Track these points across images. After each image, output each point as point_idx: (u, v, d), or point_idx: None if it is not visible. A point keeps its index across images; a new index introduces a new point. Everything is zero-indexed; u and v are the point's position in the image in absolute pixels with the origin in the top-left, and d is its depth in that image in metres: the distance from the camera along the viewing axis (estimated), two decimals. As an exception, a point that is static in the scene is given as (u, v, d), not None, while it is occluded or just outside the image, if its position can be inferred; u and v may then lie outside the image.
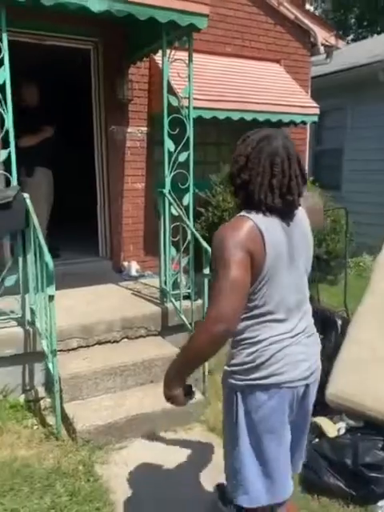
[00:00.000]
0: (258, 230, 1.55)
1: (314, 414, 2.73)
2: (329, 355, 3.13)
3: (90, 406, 3.00)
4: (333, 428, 2.62)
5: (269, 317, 1.64)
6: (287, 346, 1.65)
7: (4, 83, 2.99)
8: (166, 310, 3.71)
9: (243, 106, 4.70)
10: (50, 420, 3.00)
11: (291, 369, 1.65)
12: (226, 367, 1.73)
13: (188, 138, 3.69)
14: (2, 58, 2.98)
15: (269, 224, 1.59)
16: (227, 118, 4.61)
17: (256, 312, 1.63)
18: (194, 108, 4.10)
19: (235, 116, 4.64)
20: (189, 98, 3.67)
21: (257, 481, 1.70)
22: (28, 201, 3.10)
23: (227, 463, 1.79)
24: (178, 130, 3.66)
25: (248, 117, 4.71)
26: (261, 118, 4.79)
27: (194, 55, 3.71)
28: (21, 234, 3.17)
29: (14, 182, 3.12)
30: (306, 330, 1.72)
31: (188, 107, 3.68)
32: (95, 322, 3.46)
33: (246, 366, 1.64)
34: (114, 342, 3.53)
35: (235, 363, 1.68)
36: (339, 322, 3.22)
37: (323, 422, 2.67)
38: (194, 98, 4.08)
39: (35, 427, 2.97)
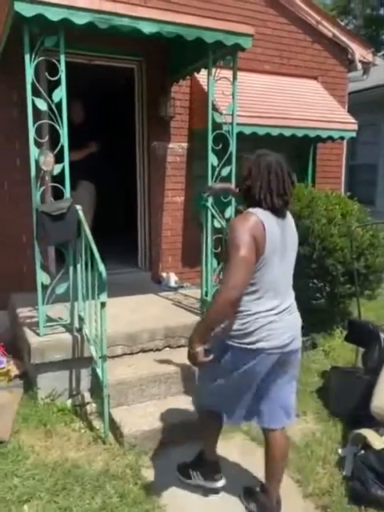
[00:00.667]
0: (261, 223, 2.04)
1: (359, 426, 2.78)
2: (373, 368, 3.14)
3: (136, 412, 3.09)
4: (379, 440, 2.62)
5: (259, 294, 2.10)
6: (272, 321, 2.10)
7: (60, 101, 3.14)
8: (207, 321, 3.77)
9: (282, 122, 4.78)
10: (97, 424, 3.10)
11: (273, 339, 2.10)
12: (222, 330, 2.16)
13: (231, 153, 3.79)
14: (60, 77, 3.14)
15: (268, 220, 2.07)
16: (267, 133, 4.70)
17: (252, 289, 2.08)
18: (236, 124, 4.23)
19: (274, 132, 4.73)
20: (232, 114, 3.78)
21: (210, 394, 2.31)
22: (80, 212, 3.24)
23: (201, 388, 2.37)
24: (220, 145, 3.77)
25: (287, 132, 4.80)
26: (299, 133, 4.87)
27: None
28: (72, 243, 3.32)
29: (67, 194, 3.27)
30: (288, 309, 2.18)
31: (231, 123, 3.79)
32: (139, 331, 3.56)
33: (240, 332, 2.11)
34: (156, 350, 3.62)
35: (233, 329, 2.13)
36: (382, 336, 3.23)
37: (369, 433, 2.67)
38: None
39: (83, 431, 3.06)
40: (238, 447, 2.98)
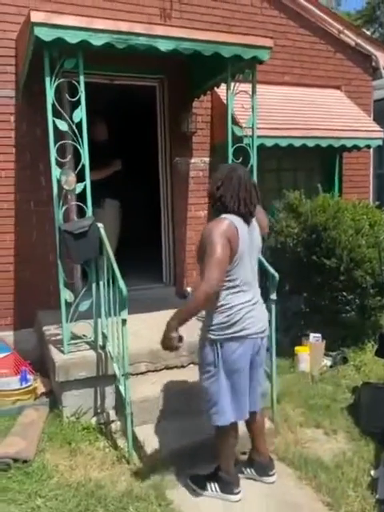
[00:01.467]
0: (234, 226, 2.32)
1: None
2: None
3: (161, 430, 3.04)
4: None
5: (238, 288, 2.39)
6: (250, 310, 2.42)
7: (80, 121, 3.19)
8: (232, 336, 3.71)
9: (305, 133, 4.73)
10: (121, 443, 3.07)
11: (253, 326, 2.42)
12: (207, 327, 2.42)
13: (251, 166, 3.76)
14: (79, 98, 3.20)
15: (239, 224, 2.35)
16: (289, 145, 4.65)
17: (230, 284, 2.37)
18: (257, 136, 4.21)
19: (297, 143, 4.67)
20: (252, 127, 3.75)
21: (229, 406, 2.45)
22: (102, 230, 3.26)
23: (206, 398, 2.49)
24: (241, 158, 3.75)
25: (310, 143, 4.73)
26: (323, 143, 4.80)
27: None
28: (94, 261, 3.33)
29: (89, 212, 3.30)
30: (259, 301, 2.53)
31: (252, 137, 3.76)
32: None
33: (224, 325, 2.37)
34: (180, 366, 3.58)
35: (215, 323, 2.39)
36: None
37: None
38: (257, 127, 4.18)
39: (107, 450, 3.04)
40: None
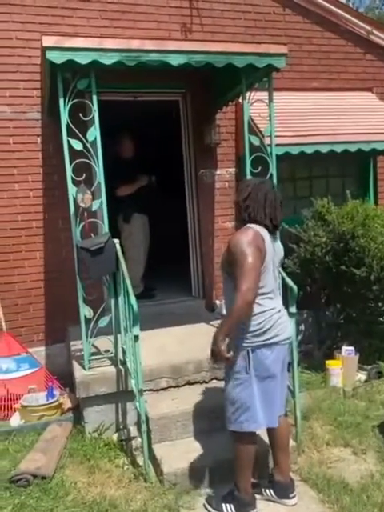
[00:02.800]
0: (260, 235, 2.38)
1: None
2: None
3: (179, 448, 2.99)
4: None
5: (266, 295, 2.43)
6: (279, 317, 2.46)
7: (95, 140, 3.24)
8: (256, 351, 3.61)
9: (332, 138, 4.57)
10: (141, 460, 3.03)
11: (283, 332, 2.46)
12: (239, 335, 2.38)
13: (271, 175, 3.67)
14: (93, 117, 3.25)
15: (264, 234, 2.41)
16: (316, 151, 4.52)
17: (260, 291, 2.37)
18: (281, 145, 4.12)
19: (324, 149, 4.52)
20: (270, 136, 3.68)
21: (261, 412, 2.45)
22: (118, 246, 3.28)
23: (236, 405, 2.46)
24: (260, 168, 3.67)
25: (338, 148, 4.57)
26: (352, 148, 4.62)
27: (280, 93, 3.75)
28: (112, 277, 3.35)
29: (106, 228, 3.33)
30: (282, 308, 2.56)
31: (270, 145, 3.68)
32: (184, 362, 3.48)
33: (257, 332, 2.38)
34: (203, 382, 3.51)
35: (249, 330, 2.38)
36: None
37: None
38: (281, 135, 4.11)
39: (126, 467, 3.02)
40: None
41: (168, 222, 6.16)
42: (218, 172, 4.96)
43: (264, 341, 2.40)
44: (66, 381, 4.11)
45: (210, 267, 5.00)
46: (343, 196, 5.20)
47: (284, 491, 2.63)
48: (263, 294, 2.40)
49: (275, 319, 2.43)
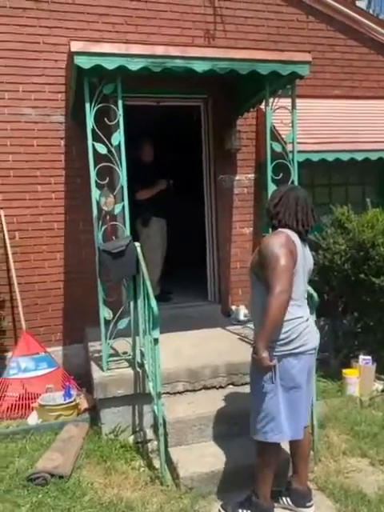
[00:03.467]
0: (292, 240, 2.37)
1: None
2: None
3: (195, 453, 2.99)
4: None
5: (294, 302, 2.38)
6: (307, 326, 2.42)
7: (119, 144, 3.28)
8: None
9: (353, 146, 4.57)
10: (157, 463, 3.05)
11: (310, 341, 2.43)
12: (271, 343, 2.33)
13: (292, 181, 3.67)
14: (118, 121, 3.29)
15: (296, 240, 2.40)
16: (336, 159, 4.51)
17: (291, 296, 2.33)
18: (301, 151, 4.12)
19: (345, 157, 4.52)
20: (292, 143, 3.68)
21: (286, 423, 2.40)
22: (139, 249, 3.31)
23: (261, 414, 2.42)
24: (281, 174, 3.68)
25: (359, 156, 4.56)
26: (373, 156, 4.60)
27: (301, 100, 3.76)
28: (132, 279, 3.39)
29: (127, 232, 3.37)
30: (310, 317, 2.51)
31: (292, 152, 3.69)
32: (201, 366, 3.49)
33: (283, 341, 2.35)
34: (219, 387, 3.52)
35: (275, 339, 2.34)
36: None
37: None
38: (302, 142, 4.11)
39: (142, 469, 3.03)
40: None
41: (186, 226, 6.18)
42: (238, 178, 4.98)
43: (291, 350, 2.36)
44: (83, 381, 4.15)
45: (226, 272, 5.01)
46: (362, 204, 5.17)
47: (301, 500, 2.61)
48: (291, 299, 2.35)
49: (302, 328, 2.39)
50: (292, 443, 2.64)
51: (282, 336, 2.35)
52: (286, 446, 2.74)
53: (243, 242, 5.00)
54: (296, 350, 2.37)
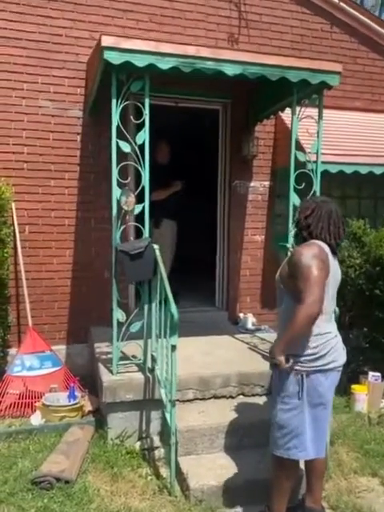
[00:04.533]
0: (324, 251, 2.31)
1: None
2: None
3: (205, 464, 2.92)
4: None
5: (325, 316, 2.32)
6: (336, 343, 2.37)
7: (143, 143, 3.21)
8: (285, 369, 3.54)
9: (372, 160, 4.53)
10: (164, 472, 2.98)
11: (339, 357, 2.37)
12: (293, 357, 2.26)
13: (314, 192, 3.63)
14: (144, 120, 3.22)
15: (328, 251, 2.34)
16: (355, 171, 4.47)
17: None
18: (321, 162, 4.07)
19: (363, 170, 4.48)
20: (317, 153, 3.64)
21: (310, 441, 2.34)
22: (157, 251, 3.24)
23: (284, 430, 2.34)
24: (303, 184, 3.63)
25: (378, 171, 4.52)
26: (391, 171, 4.57)
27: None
28: (148, 282, 3.31)
29: (146, 233, 3.29)
30: (337, 333, 2.43)
31: (316, 162, 3.64)
32: (212, 375, 3.42)
33: (313, 356, 2.27)
34: (229, 397, 3.45)
35: (304, 354, 2.27)
36: None
37: None
38: (322, 153, 4.05)
39: (149, 478, 2.95)
40: None
41: (197, 229, 6.12)
42: (253, 184, 4.93)
43: (320, 366, 2.29)
44: (85, 382, 4.07)
45: (235, 279, 4.95)
46: (375, 218, 5.16)
47: None
48: (321, 314, 2.27)
49: (333, 344, 2.33)
50: (308, 461, 2.55)
51: (310, 351, 2.29)
52: (301, 463, 2.67)
53: (254, 250, 4.95)
54: (325, 367, 2.30)
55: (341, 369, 2.40)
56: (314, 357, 2.28)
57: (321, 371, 2.29)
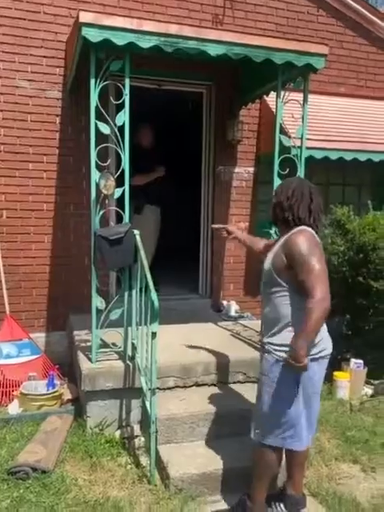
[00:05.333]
0: (316, 238, 2.27)
1: None
2: None
3: (185, 452, 2.88)
4: None
5: None
6: (325, 329, 2.32)
7: (123, 125, 3.11)
8: (267, 357, 3.52)
9: (357, 146, 4.49)
10: (144, 461, 2.94)
11: (329, 345, 2.35)
12: (286, 347, 2.20)
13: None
14: (123, 101, 3.12)
15: (316, 236, 2.30)
16: (340, 158, 4.43)
17: None
18: (306, 148, 4.01)
19: (348, 156, 4.44)
20: (301, 138, 3.57)
21: (305, 429, 2.34)
22: (138, 237, 3.16)
23: (281, 420, 2.29)
24: (287, 170, 3.57)
25: (362, 157, 4.49)
26: (376, 158, 4.54)
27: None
28: (128, 269, 3.23)
29: (126, 219, 3.21)
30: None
31: (300, 147, 3.58)
32: (194, 363, 3.38)
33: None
34: (211, 384, 3.41)
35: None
36: None
37: None
38: (307, 138, 3.99)
39: (129, 466, 2.91)
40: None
41: (180, 216, 6.04)
42: (237, 170, 4.85)
43: (313, 355, 2.24)
44: (64, 370, 4.00)
45: (219, 266, 4.90)
46: (359, 205, 5.13)
47: (295, 506, 2.53)
48: None
49: (324, 331, 2.30)
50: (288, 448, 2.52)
51: None
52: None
53: (238, 237, 4.88)
54: (318, 355, 2.26)
55: (330, 357, 2.37)
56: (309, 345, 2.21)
57: (314, 360, 2.24)
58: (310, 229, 2.28)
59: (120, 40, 2.95)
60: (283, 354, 2.23)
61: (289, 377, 2.25)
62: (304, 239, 2.20)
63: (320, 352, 2.27)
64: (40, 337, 4.36)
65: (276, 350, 2.30)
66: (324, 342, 2.30)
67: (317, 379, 2.30)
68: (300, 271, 2.15)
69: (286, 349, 2.21)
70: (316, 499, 2.70)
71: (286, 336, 2.25)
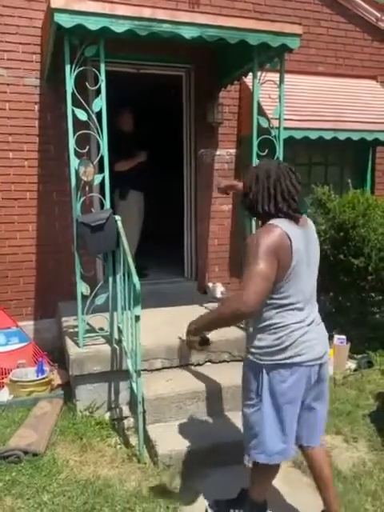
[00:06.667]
0: (286, 235, 1.93)
1: None
2: None
3: (173, 430, 2.97)
4: None
5: (292, 306, 2.01)
6: (305, 333, 2.02)
7: (100, 111, 3.12)
8: (251, 335, 3.60)
9: (337, 125, 4.52)
10: (133, 440, 3.02)
11: (309, 351, 2.03)
12: (251, 349, 2.07)
13: (278, 159, 3.60)
14: (100, 87, 3.12)
15: (292, 230, 1.96)
16: (319, 137, 4.46)
17: (282, 302, 2.00)
18: (285, 128, 4.03)
19: (328, 135, 4.47)
20: (279, 118, 3.60)
21: (273, 442, 2.07)
22: (119, 223, 3.19)
23: (247, 427, 2.15)
24: (266, 151, 3.60)
25: (341, 136, 4.52)
26: (355, 136, 4.57)
27: (285, 76, 3.64)
28: (111, 254, 3.27)
29: (107, 205, 3.23)
30: (315, 320, 2.09)
31: (278, 128, 3.61)
32: (179, 344, 3.44)
33: (274, 349, 2.01)
34: (197, 364, 3.49)
35: (263, 345, 2.03)
36: None
37: None
38: (285, 119, 4.01)
39: (118, 447, 2.99)
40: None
41: (164, 200, 6.05)
42: (218, 152, 4.87)
43: (281, 360, 2.00)
44: (55, 356, 4.06)
45: (203, 249, 4.94)
46: (341, 184, 5.18)
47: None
48: (287, 305, 1.99)
49: (298, 335, 2.00)
50: (308, 461, 2.32)
51: (271, 342, 2.02)
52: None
53: (222, 219, 4.93)
54: (289, 361, 2.00)
55: (313, 363, 2.06)
56: (273, 349, 2.01)
57: (283, 366, 2.00)
58: (281, 224, 1.96)
59: (93, 25, 2.94)
60: (249, 356, 2.10)
61: (249, 382, 2.11)
62: (263, 237, 1.93)
63: (291, 358, 2.00)
64: (29, 325, 4.40)
65: (246, 351, 2.20)
66: (297, 347, 2.00)
67: (286, 388, 2.01)
68: (245, 265, 1.94)
69: (253, 349, 2.07)
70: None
71: (255, 336, 2.09)
